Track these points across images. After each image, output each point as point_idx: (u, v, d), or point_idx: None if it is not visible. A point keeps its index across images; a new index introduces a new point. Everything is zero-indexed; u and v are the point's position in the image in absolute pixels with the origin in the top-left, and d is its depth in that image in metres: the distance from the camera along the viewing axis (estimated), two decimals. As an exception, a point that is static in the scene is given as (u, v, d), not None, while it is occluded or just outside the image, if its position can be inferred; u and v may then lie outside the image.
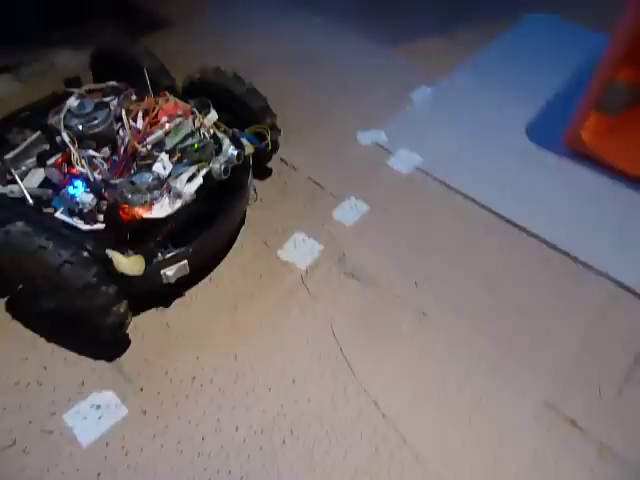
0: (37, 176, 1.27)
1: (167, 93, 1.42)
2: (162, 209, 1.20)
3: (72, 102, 1.33)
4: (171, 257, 1.22)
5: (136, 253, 1.17)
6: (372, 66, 2.12)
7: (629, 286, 1.42)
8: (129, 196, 1.16)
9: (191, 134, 1.34)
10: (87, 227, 1.17)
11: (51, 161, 1.27)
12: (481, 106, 1.95)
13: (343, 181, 1.64)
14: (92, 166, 1.24)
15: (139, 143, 1.27)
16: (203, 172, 1.29)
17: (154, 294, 1.28)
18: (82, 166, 1.22)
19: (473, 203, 1.61)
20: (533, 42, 2.30)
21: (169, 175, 1.25)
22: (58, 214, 1.19)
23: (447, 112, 1.91)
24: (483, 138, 1.82)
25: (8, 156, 1.27)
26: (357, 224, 1.52)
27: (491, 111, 1.93)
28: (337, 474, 1.07)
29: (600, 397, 1.21)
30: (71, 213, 1.19)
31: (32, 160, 1.30)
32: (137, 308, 1.27)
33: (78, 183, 1.18)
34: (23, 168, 1.28)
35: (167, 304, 1.32)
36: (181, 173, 1.26)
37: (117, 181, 1.20)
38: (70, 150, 1.24)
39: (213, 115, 1.41)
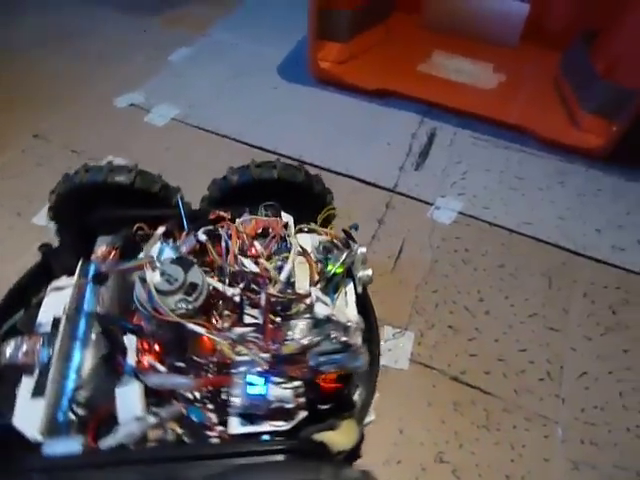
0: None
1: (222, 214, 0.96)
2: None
3: (154, 278, 0.80)
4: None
5: (341, 418, 0.80)
6: (130, 37, 2.15)
7: (368, 180, 1.62)
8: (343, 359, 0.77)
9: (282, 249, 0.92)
10: (287, 425, 0.77)
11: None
12: (237, 57, 2.07)
13: (101, 144, 1.66)
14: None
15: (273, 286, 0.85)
16: (350, 286, 0.93)
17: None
18: (239, 354, 0.78)
19: (229, 140, 1.72)
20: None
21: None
22: (236, 428, 0.76)
23: (204, 67, 2.01)
24: (238, 84, 1.94)
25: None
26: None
27: (246, 59, 2.06)
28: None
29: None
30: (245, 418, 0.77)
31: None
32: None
33: (254, 379, 0.77)
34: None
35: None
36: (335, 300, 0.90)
37: (289, 351, 0.78)
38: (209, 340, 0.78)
39: (287, 218, 1.04)
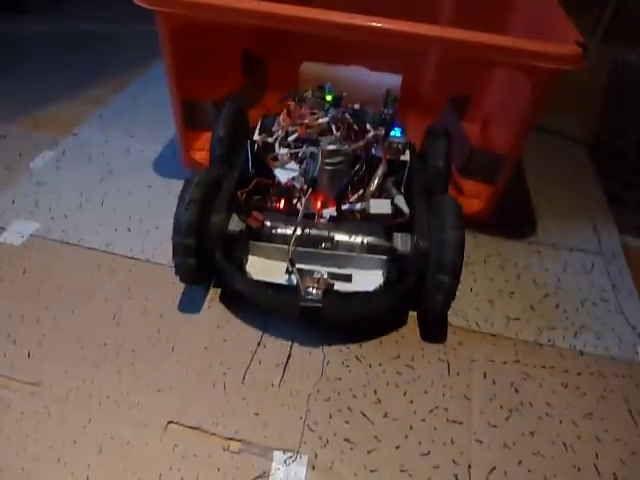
0: None
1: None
2: None
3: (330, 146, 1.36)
4: None
5: None
6: (-16, 147, 2.00)
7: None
8: None
9: None
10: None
11: None
12: (108, 156, 1.95)
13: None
14: None
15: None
16: None
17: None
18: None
19: (97, 252, 1.57)
20: (161, 85, 2.40)
21: None
22: None
23: (69, 171, 1.87)
24: (109, 186, 1.81)
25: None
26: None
27: (118, 158, 1.95)
28: None
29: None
30: None
31: None
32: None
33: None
34: None
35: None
36: None
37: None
38: None
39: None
